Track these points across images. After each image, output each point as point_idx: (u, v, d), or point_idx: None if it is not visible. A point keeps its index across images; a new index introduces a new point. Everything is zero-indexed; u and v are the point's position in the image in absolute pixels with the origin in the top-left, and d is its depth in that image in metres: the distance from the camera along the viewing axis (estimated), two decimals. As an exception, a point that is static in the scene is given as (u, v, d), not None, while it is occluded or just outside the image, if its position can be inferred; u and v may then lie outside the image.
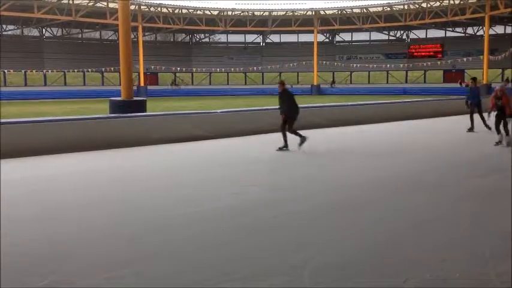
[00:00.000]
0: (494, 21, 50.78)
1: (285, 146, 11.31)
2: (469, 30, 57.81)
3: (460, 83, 47.38)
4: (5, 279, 4.02)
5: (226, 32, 61.25)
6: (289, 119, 11.34)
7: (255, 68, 59.01)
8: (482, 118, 14.95)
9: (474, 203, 6.56)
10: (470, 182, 8.04)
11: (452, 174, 8.73)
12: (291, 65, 57.56)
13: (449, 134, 15.18)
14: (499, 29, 54.94)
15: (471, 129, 15.15)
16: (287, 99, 11.49)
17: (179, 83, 57.69)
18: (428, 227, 5.50)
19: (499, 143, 11.92)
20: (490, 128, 14.06)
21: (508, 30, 54.44)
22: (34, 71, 52.30)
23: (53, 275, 4.15)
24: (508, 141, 11.79)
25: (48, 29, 56.74)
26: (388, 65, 57.15)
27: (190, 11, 53.98)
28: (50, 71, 52.99)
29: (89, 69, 53.49)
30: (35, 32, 57.56)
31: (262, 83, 59.55)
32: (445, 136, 14.74)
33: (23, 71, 51.57)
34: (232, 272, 4.21)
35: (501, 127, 11.98)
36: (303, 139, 11.29)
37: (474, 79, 16.08)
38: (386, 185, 7.82)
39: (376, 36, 61.86)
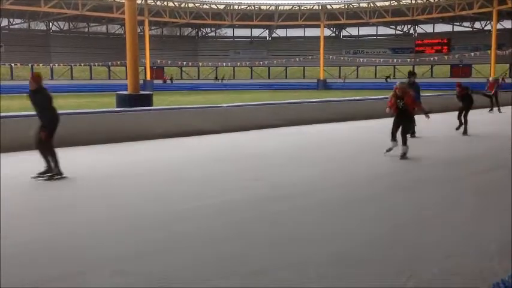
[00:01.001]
0: (502, 15, 50.45)
1: (49, 172, 7.56)
2: (477, 25, 57.55)
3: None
4: (15, 269, 4.03)
5: (233, 26, 61.20)
6: (48, 131, 7.54)
7: (261, 62, 58.96)
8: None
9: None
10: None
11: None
12: (297, 59, 57.49)
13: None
14: (506, 24, 54.57)
15: (411, 134, 12.47)
16: (41, 102, 7.69)
17: (226, 77, 58.41)
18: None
19: (389, 150, 9.57)
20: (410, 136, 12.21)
21: (516, 25, 54.09)
22: (41, 64, 52.45)
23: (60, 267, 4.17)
24: (403, 151, 9.39)
25: (55, 22, 56.88)
26: (395, 60, 56.94)
27: (196, 5, 53.98)
28: (56, 64, 53.17)
29: (96, 63, 53.63)
30: (41, 26, 57.74)
31: (269, 78, 59.51)
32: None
33: (29, 64, 51.70)
34: (233, 268, 4.22)
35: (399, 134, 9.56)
36: (53, 171, 7.57)
37: (410, 73, 13.45)
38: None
39: (383, 30, 61.70)
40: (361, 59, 57.65)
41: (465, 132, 13.06)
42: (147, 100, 17.21)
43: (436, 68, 56.70)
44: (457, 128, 13.40)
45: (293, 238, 4.88)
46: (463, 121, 13.26)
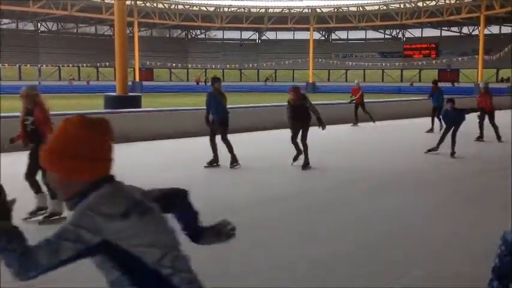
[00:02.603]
0: (490, 21, 50.91)
1: None
2: (465, 30, 58.05)
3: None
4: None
5: (222, 29, 61.19)
6: None
7: (250, 64, 59.00)
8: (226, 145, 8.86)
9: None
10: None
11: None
12: (287, 62, 57.58)
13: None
14: (494, 29, 55.13)
15: (213, 162, 8.94)
16: None
17: (272, 79, 58.59)
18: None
19: (45, 214, 5.66)
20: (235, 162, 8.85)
21: (503, 30, 54.69)
22: (29, 65, 52.09)
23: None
24: (52, 210, 5.59)
25: (44, 23, 56.54)
26: (383, 64, 57.24)
27: (186, 6, 53.91)
28: (44, 65, 52.80)
29: (84, 64, 53.34)
30: (30, 26, 57.35)
31: (258, 80, 59.55)
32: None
33: (17, 65, 51.33)
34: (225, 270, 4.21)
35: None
36: None
37: (214, 79, 9.48)
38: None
39: (372, 34, 62.01)
40: (350, 63, 57.88)
41: (305, 165, 8.71)
42: (135, 102, 17.14)
43: (424, 72, 57.06)
44: (295, 159, 8.98)
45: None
46: (301, 146, 8.87)
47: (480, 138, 12.71)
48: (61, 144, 1.57)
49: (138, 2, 50.37)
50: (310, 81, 55.77)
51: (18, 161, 8.13)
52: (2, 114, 11.28)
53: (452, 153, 10.09)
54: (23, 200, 4.95)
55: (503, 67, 49.01)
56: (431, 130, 14.33)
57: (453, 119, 10.32)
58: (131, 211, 1.55)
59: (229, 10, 55.46)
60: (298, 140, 8.82)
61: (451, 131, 10.26)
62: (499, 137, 12.61)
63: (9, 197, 1.57)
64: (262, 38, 64.41)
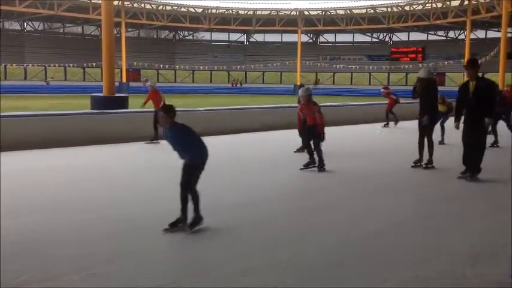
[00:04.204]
0: (476, 25, 51.39)
1: None
2: (451, 34, 58.54)
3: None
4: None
5: (210, 30, 61.11)
6: None
7: (238, 66, 59.00)
8: None
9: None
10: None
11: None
12: (275, 64, 57.64)
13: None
14: (480, 34, 55.66)
15: None
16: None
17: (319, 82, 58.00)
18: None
19: None
20: None
21: (489, 34, 55.22)
22: (14, 64, 51.59)
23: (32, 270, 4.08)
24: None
25: (30, 22, 56.05)
26: (370, 67, 57.52)
27: (174, 8, 53.80)
28: (30, 65, 52.33)
29: (70, 64, 52.93)
30: (16, 26, 56.81)
31: (246, 82, 59.53)
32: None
33: (3, 64, 50.81)
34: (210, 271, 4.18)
35: None
36: None
37: None
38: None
39: (359, 37, 62.31)
40: (338, 66, 58.08)
41: None
42: (122, 103, 17.03)
43: (410, 75, 57.36)
44: None
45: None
46: None
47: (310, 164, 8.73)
48: None
49: (125, 3, 50.14)
50: (298, 83, 55.91)
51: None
52: (2, 114, 11.17)
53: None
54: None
55: (488, 71, 49.38)
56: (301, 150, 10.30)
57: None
58: None
59: (217, 12, 55.44)
60: None
61: None
62: (320, 166, 8.53)
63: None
64: (250, 40, 64.44)
